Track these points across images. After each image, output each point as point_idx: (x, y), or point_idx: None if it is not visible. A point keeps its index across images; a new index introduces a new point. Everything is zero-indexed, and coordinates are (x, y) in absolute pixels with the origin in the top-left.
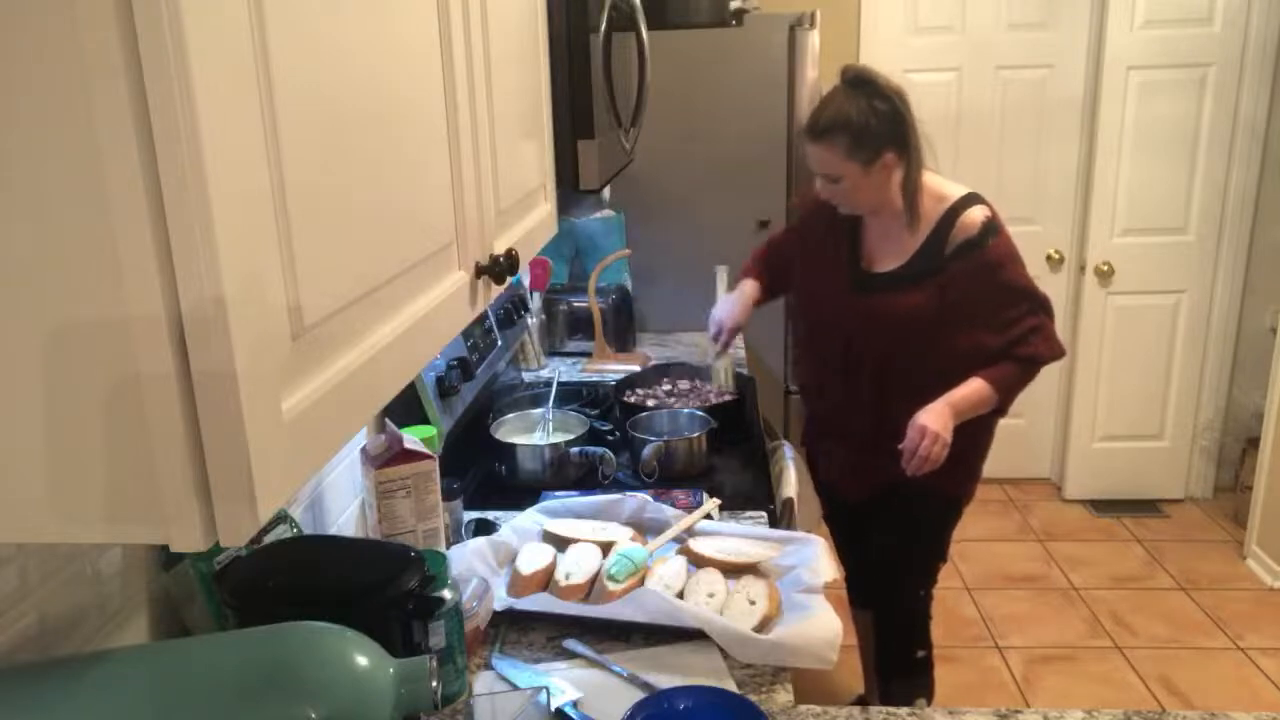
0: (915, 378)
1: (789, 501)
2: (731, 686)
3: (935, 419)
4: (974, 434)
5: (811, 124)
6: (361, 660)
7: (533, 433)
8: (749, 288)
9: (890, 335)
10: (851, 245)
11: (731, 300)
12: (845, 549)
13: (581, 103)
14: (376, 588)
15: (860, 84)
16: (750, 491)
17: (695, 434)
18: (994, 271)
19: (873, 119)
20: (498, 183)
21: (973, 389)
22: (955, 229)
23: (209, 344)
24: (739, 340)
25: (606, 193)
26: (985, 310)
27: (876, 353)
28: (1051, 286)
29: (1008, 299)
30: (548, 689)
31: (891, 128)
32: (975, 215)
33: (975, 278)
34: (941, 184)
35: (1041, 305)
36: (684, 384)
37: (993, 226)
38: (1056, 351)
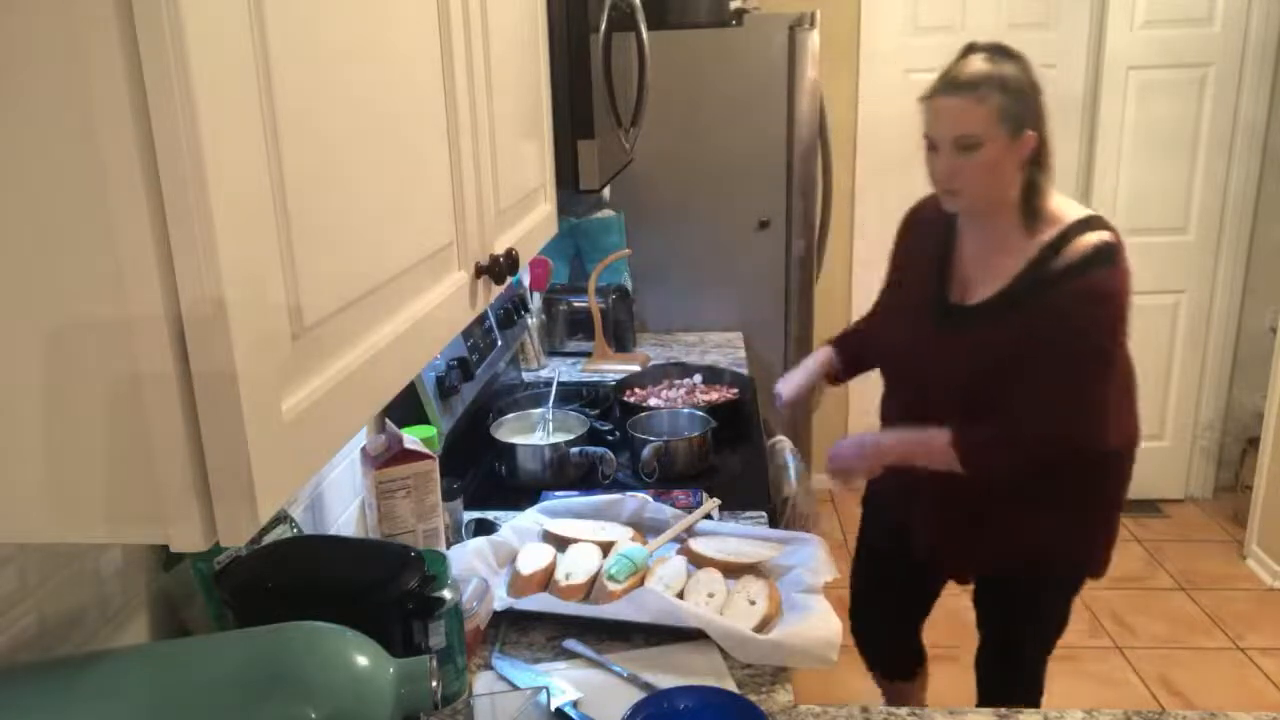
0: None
1: (788, 501)
2: (731, 686)
3: (866, 457)
4: (1097, 501)
5: (952, 78)
6: (361, 660)
7: (533, 433)
8: (821, 354)
9: (972, 381)
10: (940, 274)
11: (797, 370)
12: (895, 619)
13: (581, 103)
14: (376, 588)
15: (1004, 53)
16: (750, 491)
17: (695, 434)
18: (1073, 309)
19: (1028, 86)
20: (498, 183)
21: (932, 440)
22: (1064, 253)
23: (209, 344)
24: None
25: (606, 193)
26: (1043, 357)
27: (961, 401)
28: None
29: (1068, 351)
30: (548, 689)
31: (1037, 107)
32: (1090, 239)
33: (1053, 314)
34: (1062, 202)
35: (1108, 377)
36: (684, 384)
37: (1107, 254)
38: (1092, 436)
